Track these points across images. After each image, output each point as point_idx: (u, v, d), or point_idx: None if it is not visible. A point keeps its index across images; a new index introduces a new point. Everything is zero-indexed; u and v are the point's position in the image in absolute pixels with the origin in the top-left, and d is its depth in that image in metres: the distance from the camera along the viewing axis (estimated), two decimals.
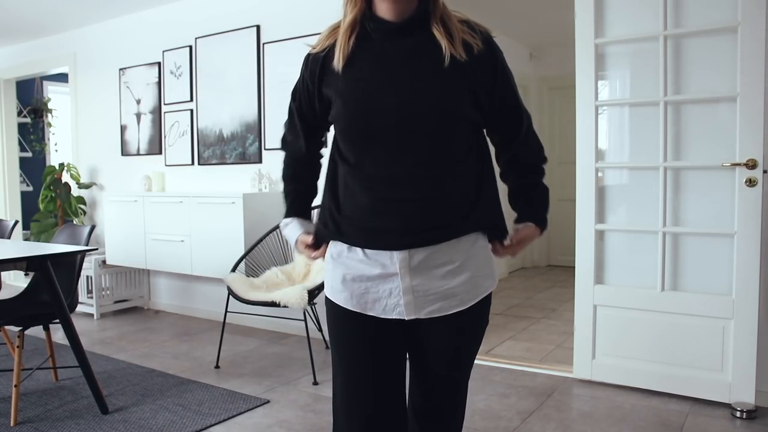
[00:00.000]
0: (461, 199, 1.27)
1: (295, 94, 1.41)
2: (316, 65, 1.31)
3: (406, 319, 1.28)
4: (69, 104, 5.56)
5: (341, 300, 1.32)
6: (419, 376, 1.39)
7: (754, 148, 2.55)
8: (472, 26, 1.30)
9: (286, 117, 1.49)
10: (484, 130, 1.36)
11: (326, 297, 1.37)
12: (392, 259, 1.25)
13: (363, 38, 1.27)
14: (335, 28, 1.31)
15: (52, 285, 2.64)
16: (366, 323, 1.31)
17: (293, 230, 1.47)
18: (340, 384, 1.35)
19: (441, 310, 1.28)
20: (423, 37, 1.25)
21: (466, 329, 1.33)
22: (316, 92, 1.32)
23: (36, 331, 3.52)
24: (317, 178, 1.51)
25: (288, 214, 1.50)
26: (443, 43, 1.22)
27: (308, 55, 1.35)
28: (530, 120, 1.39)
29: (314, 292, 3.10)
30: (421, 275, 1.26)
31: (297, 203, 1.50)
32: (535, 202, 1.41)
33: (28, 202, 6.44)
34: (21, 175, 6.44)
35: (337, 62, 1.26)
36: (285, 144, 1.51)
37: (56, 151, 7.01)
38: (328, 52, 1.29)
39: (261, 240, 3.69)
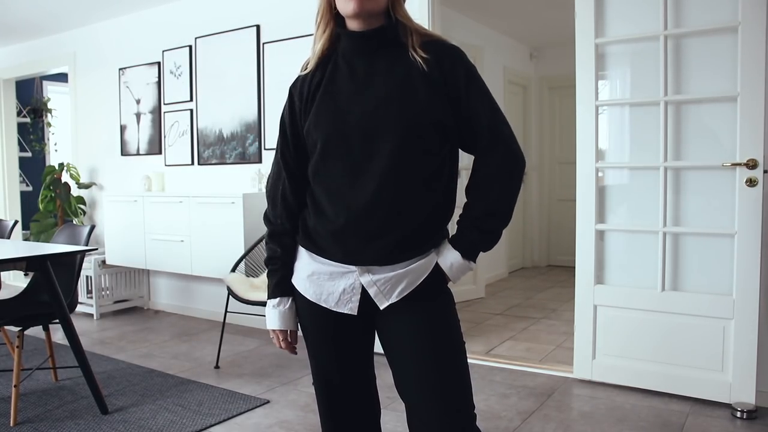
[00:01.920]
0: (429, 216, 1.30)
1: (284, 125, 1.40)
2: (305, 84, 1.35)
3: (380, 308, 1.31)
4: (69, 104, 5.56)
5: (301, 288, 1.38)
6: (396, 377, 1.35)
7: (755, 148, 2.55)
8: (437, 41, 1.32)
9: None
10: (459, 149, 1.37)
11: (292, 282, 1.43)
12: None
13: (336, 55, 1.34)
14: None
15: (52, 285, 2.63)
16: (325, 313, 1.36)
17: (284, 319, 1.40)
18: (313, 370, 1.45)
19: (409, 285, 1.29)
20: (390, 49, 1.30)
21: (430, 298, 1.32)
22: (305, 112, 1.35)
23: (36, 331, 3.52)
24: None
25: (279, 292, 1.40)
26: (409, 54, 1.28)
27: (297, 78, 1.39)
28: (501, 140, 1.32)
29: None
30: (379, 271, 1.29)
31: (285, 278, 1.41)
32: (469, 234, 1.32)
33: (27, 202, 6.44)
34: (20, 175, 6.44)
35: (312, 66, 1.34)
36: (273, 203, 1.43)
37: (56, 151, 7.01)
38: (314, 71, 1.35)
39: (261, 240, 3.69)
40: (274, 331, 1.41)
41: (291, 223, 1.40)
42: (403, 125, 1.24)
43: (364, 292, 1.31)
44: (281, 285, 1.40)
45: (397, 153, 1.24)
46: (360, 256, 1.28)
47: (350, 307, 1.32)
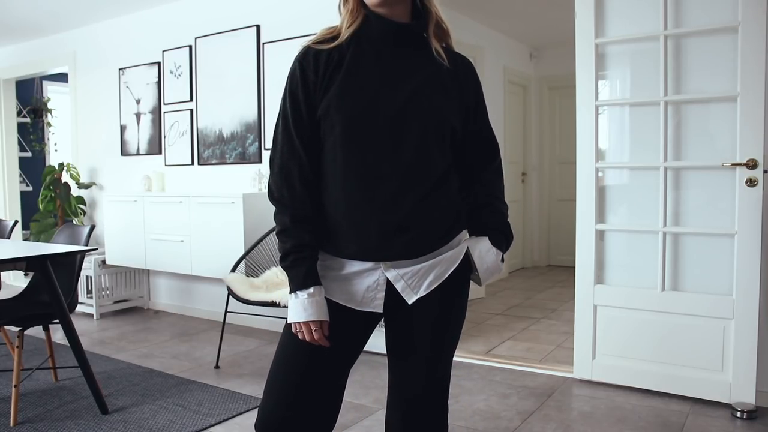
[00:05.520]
0: (449, 210, 1.32)
1: (296, 99, 1.28)
2: (321, 60, 1.27)
3: (409, 303, 1.30)
4: (69, 104, 5.56)
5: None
6: (402, 371, 1.35)
7: (755, 148, 2.55)
8: (453, 52, 1.37)
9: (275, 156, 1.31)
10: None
11: None
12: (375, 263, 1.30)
13: (359, 36, 1.29)
14: (335, 27, 1.33)
15: (52, 285, 2.63)
16: (342, 309, 1.32)
17: (322, 309, 1.26)
18: (296, 345, 1.32)
19: (438, 277, 1.29)
20: (419, 45, 1.31)
21: (451, 294, 1.33)
22: (320, 89, 1.27)
23: (36, 331, 3.52)
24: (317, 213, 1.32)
25: (312, 281, 1.26)
26: (436, 51, 1.30)
27: (307, 51, 1.29)
28: (501, 165, 1.44)
29: None
30: (405, 265, 1.29)
31: (315, 266, 1.29)
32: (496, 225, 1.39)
33: (27, 202, 6.44)
34: (21, 175, 6.44)
35: (343, 35, 1.28)
36: (283, 177, 1.29)
37: (56, 151, 7.01)
38: (333, 49, 1.28)
39: (261, 240, 3.69)
40: (307, 323, 1.25)
41: (314, 208, 1.29)
42: (431, 121, 1.26)
43: (389, 289, 1.29)
44: (313, 274, 1.27)
45: (422, 148, 1.25)
46: (384, 252, 1.26)
47: (376, 305, 1.30)
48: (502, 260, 1.37)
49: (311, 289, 1.25)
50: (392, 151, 1.23)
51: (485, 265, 1.34)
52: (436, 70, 1.29)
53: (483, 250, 1.34)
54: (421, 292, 1.28)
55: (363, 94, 1.24)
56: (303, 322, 1.25)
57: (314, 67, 1.27)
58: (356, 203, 1.24)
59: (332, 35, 1.29)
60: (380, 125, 1.23)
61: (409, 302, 1.29)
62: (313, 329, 1.25)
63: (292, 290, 1.27)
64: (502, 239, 1.37)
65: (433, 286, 1.29)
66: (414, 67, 1.28)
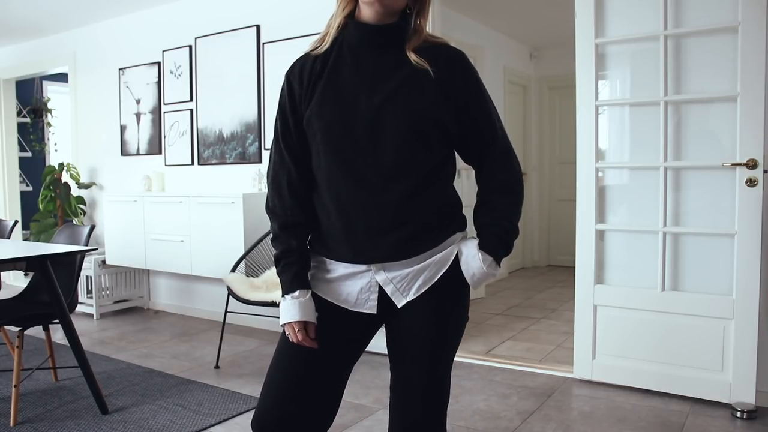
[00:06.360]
0: (439, 210, 1.30)
1: (284, 113, 1.34)
2: (305, 71, 1.32)
3: (398, 306, 1.30)
4: (69, 104, 5.56)
5: (318, 290, 1.35)
6: (400, 372, 1.34)
7: (755, 148, 2.55)
8: (443, 45, 1.32)
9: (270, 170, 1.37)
10: (457, 154, 1.38)
11: None
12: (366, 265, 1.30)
13: (339, 44, 1.32)
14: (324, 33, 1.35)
15: (52, 285, 2.63)
16: (338, 310, 1.33)
17: (305, 310, 1.30)
18: (276, 351, 1.37)
19: (427, 281, 1.28)
20: (397, 47, 1.29)
21: (446, 298, 1.31)
22: (305, 99, 1.31)
23: (36, 331, 3.52)
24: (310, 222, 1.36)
25: (298, 285, 1.31)
26: (413, 57, 1.27)
27: (294, 65, 1.35)
28: (508, 148, 1.35)
29: None
30: (394, 268, 1.29)
31: (303, 270, 1.33)
32: (494, 225, 1.31)
33: (27, 202, 6.44)
34: (20, 175, 6.44)
35: (322, 46, 1.31)
36: (275, 188, 1.35)
37: (56, 151, 7.01)
38: (317, 58, 1.32)
39: (261, 240, 3.69)
40: (291, 324, 1.29)
41: (304, 214, 1.34)
42: (409, 120, 1.24)
43: (382, 290, 1.30)
44: (300, 278, 1.31)
45: (402, 147, 1.24)
46: (372, 253, 1.27)
47: (369, 306, 1.31)
48: (499, 264, 1.31)
49: (296, 292, 1.30)
50: (371, 154, 1.24)
51: (471, 271, 1.29)
52: (416, 67, 1.27)
53: (469, 256, 1.29)
54: (411, 296, 1.29)
55: (341, 101, 1.26)
56: (287, 323, 1.30)
57: (299, 79, 1.32)
58: (343, 207, 1.27)
59: (320, 41, 1.34)
60: (358, 129, 1.24)
61: (399, 306, 1.30)
62: (296, 329, 1.29)
63: (283, 294, 1.33)
64: (496, 244, 1.30)
65: (423, 290, 1.29)
66: (393, 67, 1.27)
